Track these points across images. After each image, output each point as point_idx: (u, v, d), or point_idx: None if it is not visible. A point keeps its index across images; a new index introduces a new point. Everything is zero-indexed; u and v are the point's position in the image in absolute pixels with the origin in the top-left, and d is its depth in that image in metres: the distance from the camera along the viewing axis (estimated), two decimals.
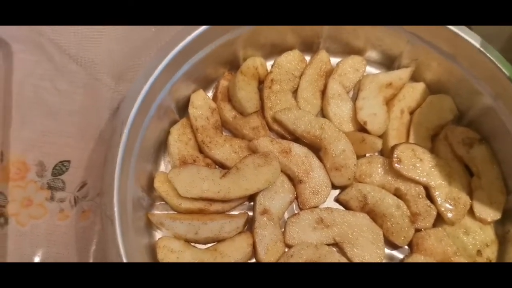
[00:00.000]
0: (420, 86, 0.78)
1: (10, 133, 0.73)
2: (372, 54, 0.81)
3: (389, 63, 0.82)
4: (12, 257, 0.68)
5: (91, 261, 0.68)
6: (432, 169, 0.71)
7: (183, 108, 0.75)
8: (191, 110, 0.73)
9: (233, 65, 0.78)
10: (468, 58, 0.71)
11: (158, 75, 0.65)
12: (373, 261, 0.68)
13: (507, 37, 0.78)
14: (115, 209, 0.58)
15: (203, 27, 0.68)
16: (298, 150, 0.72)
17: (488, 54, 0.68)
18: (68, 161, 0.72)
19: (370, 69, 0.82)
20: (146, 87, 0.64)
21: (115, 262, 0.57)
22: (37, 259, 0.68)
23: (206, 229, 0.66)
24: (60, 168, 0.72)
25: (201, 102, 0.74)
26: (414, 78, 0.80)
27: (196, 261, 0.65)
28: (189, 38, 0.67)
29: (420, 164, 0.71)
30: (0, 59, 0.74)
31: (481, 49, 0.69)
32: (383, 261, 0.69)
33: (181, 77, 0.70)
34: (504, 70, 0.68)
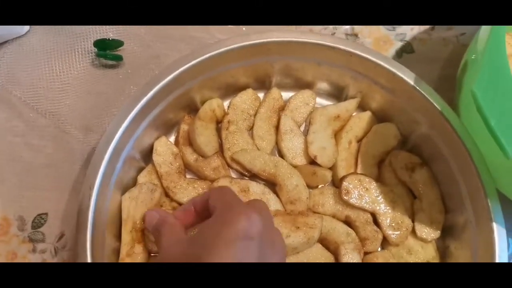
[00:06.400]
0: (366, 115, 0.85)
1: None
2: (322, 85, 0.87)
3: (338, 93, 0.87)
4: None
5: None
6: (378, 197, 0.79)
7: (147, 155, 0.81)
8: (155, 158, 0.79)
9: (192, 108, 0.83)
10: (405, 93, 0.78)
11: (120, 137, 0.71)
12: None
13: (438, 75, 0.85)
14: None
15: (168, 78, 0.74)
16: (255, 188, 0.79)
17: (421, 90, 0.75)
18: (46, 213, 0.78)
19: (321, 101, 0.88)
20: (107, 155, 0.70)
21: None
22: None
23: None
24: (39, 220, 0.78)
25: (164, 148, 0.80)
26: (362, 107, 0.86)
27: None
28: (154, 91, 0.73)
29: (367, 194, 0.78)
30: None
31: (415, 85, 0.76)
32: None
33: (145, 128, 0.76)
34: (435, 104, 0.75)
